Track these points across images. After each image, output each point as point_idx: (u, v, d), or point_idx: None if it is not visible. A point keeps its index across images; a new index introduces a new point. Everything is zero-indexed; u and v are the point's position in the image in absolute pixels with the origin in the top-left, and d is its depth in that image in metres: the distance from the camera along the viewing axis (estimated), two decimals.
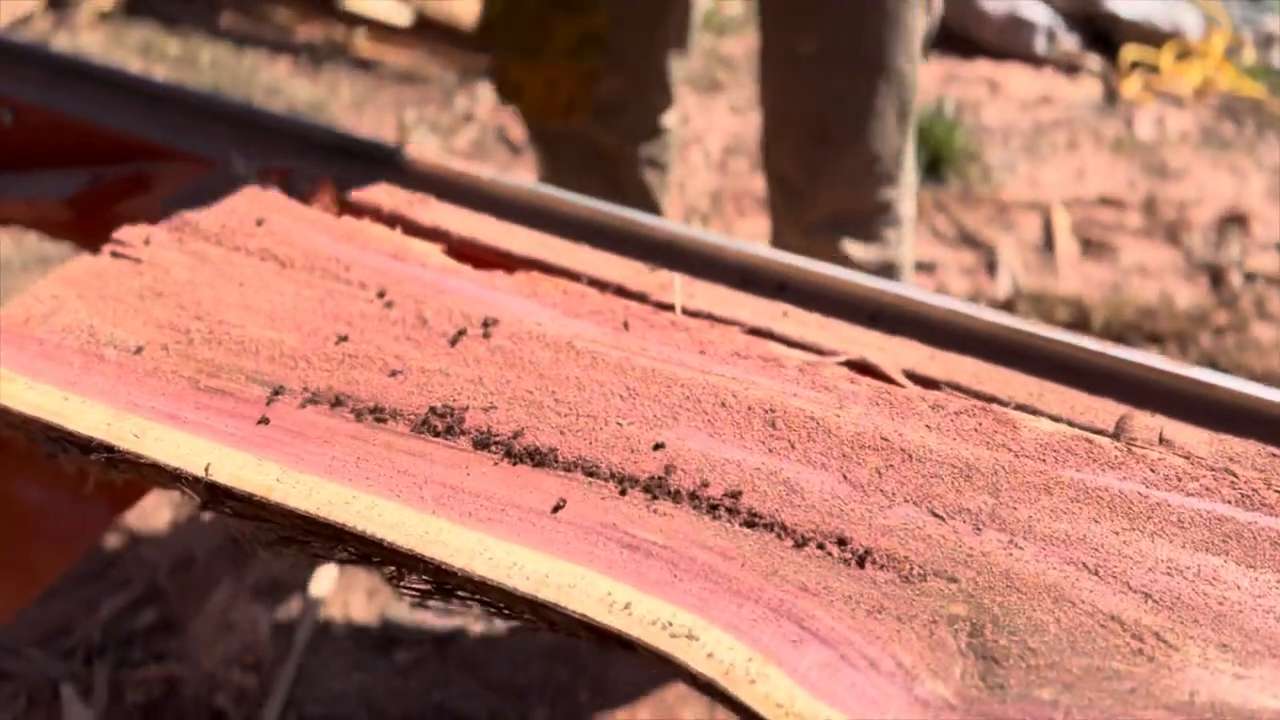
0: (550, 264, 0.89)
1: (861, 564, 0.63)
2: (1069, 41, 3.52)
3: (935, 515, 0.66)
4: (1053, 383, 0.80)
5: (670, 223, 0.95)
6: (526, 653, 1.51)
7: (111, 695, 1.45)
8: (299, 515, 0.66)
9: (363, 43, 3.34)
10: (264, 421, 0.72)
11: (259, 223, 0.88)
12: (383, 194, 0.96)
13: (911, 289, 0.90)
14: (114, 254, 0.84)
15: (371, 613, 1.57)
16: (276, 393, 0.74)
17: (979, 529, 0.65)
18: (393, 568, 0.66)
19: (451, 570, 0.63)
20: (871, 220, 1.30)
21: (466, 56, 3.24)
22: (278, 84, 3.09)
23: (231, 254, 0.85)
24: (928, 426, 0.71)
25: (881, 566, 0.63)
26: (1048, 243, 2.62)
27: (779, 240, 1.38)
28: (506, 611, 0.64)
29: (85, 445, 0.70)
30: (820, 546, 0.64)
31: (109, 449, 0.70)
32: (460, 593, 0.65)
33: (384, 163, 1.02)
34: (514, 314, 0.81)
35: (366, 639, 1.54)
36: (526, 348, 0.78)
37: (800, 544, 0.64)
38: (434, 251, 0.87)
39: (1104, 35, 3.57)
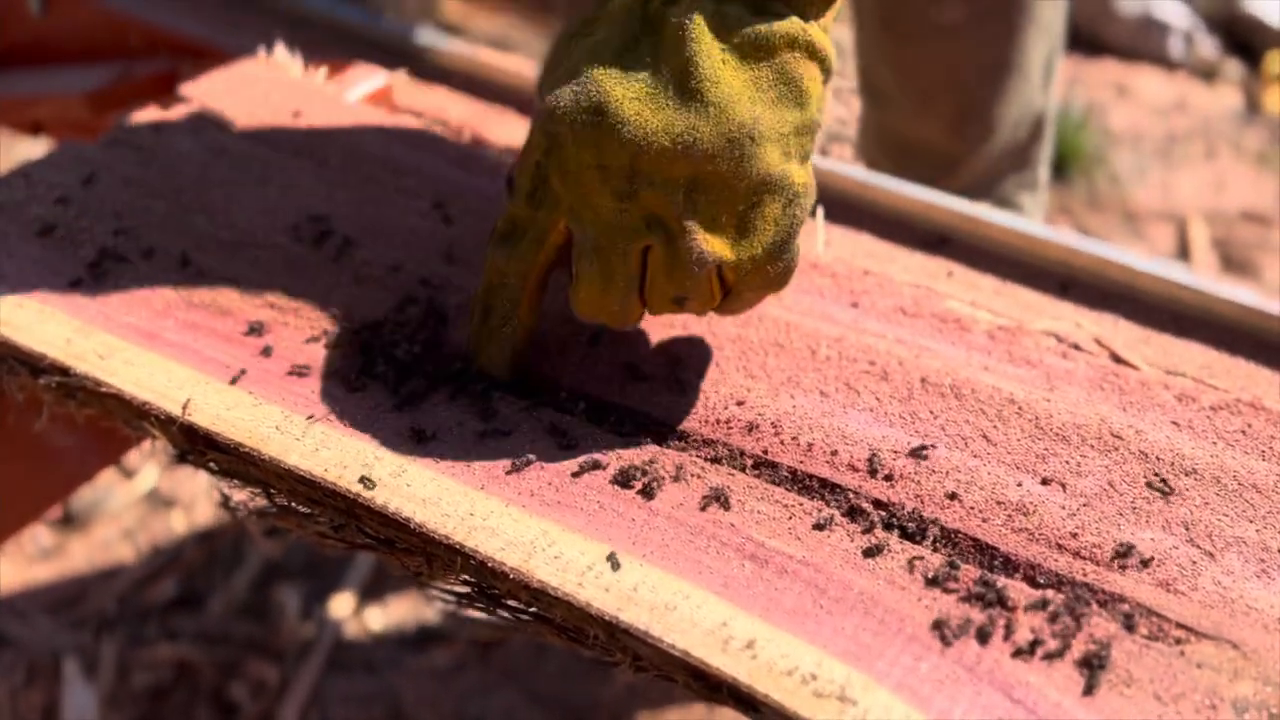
0: None
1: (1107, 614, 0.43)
2: (1207, 46, 3.24)
3: (1201, 549, 0.45)
4: None
5: None
6: (583, 664, 1.31)
7: (118, 674, 1.30)
8: (300, 478, 0.48)
9: (452, 5, 3.20)
10: (267, 352, 0.54)
11: (296, 115, 0.71)
12: (451, 103, 0.79)
13: (1115, 251, 0.69)
14: (112, 141, 0.68)
15: (414, 603, 1.39)
16: (288, 318, 0.56)
17: (1270, 576, 0.44)
18: (420, 560, 0.47)
19: (501, 571, 0.44)
20: (1011, 186, 1.19)
21: (557, 22, 3.08)
22: None
23: (257, 148, 0.68)
24: (1175, 424, 0.51)
25: (1133, 625, 0.43)
26: (1182, 256, 2.37)
27: None
28: (572, 636, 0.45)
29: (36, 365, 0.53)
30: (1035, 583, 0.44)
31: (64, 371, 0.52)
32: (510, 603, 0.46)
33: (456, 70, 0.84)
34: None
35: (405, 633, 1.37)
36: None
37: (1009, 576, 0.44)
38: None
39: (1245, 41, 3.29)
